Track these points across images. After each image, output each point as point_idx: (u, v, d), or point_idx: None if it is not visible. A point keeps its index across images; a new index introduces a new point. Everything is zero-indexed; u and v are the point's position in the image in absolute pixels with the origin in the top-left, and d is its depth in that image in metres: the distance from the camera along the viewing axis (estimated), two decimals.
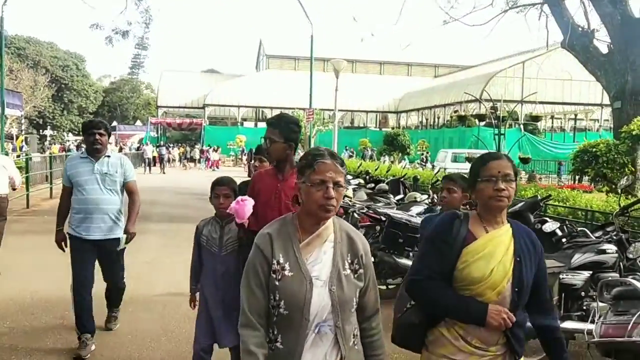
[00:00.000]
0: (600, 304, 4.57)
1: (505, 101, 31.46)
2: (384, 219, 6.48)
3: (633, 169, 10.35)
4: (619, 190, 6.34)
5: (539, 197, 6.52)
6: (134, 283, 7.08)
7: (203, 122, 48.30)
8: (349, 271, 2.19)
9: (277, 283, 2.13)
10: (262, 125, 49.42)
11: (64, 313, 5.80)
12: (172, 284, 7.21)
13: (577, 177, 21.78)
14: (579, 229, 5.55)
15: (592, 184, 18.62)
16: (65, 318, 5.70)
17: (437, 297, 2.39)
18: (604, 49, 13.20)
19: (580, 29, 13.57)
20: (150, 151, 34.00)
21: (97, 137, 4.86)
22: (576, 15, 13.67)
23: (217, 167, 38.68)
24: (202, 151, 42.10)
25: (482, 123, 35.77)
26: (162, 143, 42.20)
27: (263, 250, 2.17)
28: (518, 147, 26.29)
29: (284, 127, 3.56)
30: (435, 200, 8.54)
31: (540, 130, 41.47)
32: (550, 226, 5.55)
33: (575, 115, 43.10)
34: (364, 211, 7.06)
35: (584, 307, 4.72)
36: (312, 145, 21.84)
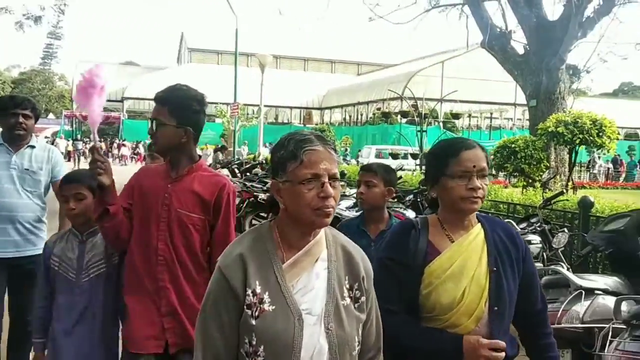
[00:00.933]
0: None
1: (426, 99, 32.44)
2: None
3: (548, 164, 10.88)
4: (542, 184, 6.57)
5: None
6: None
7: (121, 115, 46.49)
8: (348, 300, 1.66)
9: (253, 322, 1.57)
10: None
11: None
12: None
13: (497, 173, 22.84)
14: (505, 220, 5.69)
15: (508, 179, 19.56)
16: None
17: (399, 335, 1.90)
18: (521, 50, 13.77)
19: (498, 29, 14.08)
20: (63, 146, 31.98)
21: (21, 119, 3.54)
22: (495, 17, 14.18)
23: (125, 163, 37.53)
24: (119, 146, 40.60)
25: (405, 120, 36.78)
26: (78, 137, 40.20)
27: (230, 279, 1.59)
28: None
29: (177, 104, 2.58)
30: None
31: (459, 128, 43.04)
32: None
33: (491, 113, 45.07)
34: None
35: None
36: (235, 141, 21.45)
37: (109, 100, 49.66)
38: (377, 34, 57.77)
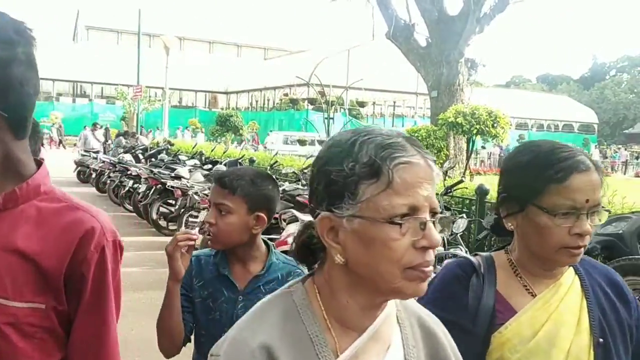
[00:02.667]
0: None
1: (333, 87, 32.91)
2: None
3: (447, 153, 11.49)
4: (443, 173, 6.98)
5: None
6: None
7: None
8: None
9: None
10: (82, 101, 45.84)
11: None
12: None
13: None
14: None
15: None
16: None
17: None
18: (423, 42, 14.31)
19: (402, 21, 14.53)
20: None
21: None
22: (399, 9, 14.64)
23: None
24: None
25: (312, 107, 37.16)
26: None
27: None
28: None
29: None
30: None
31: (363, 116, 44.12)
32: None
33: (394, 102, 46.53)
34: (206, 192, 6.90)
35: None
36: (138, 124, 20.71)
37: None
38: (284, 19, 57.58)
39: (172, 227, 9.19)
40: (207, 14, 55.22)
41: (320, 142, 24.56)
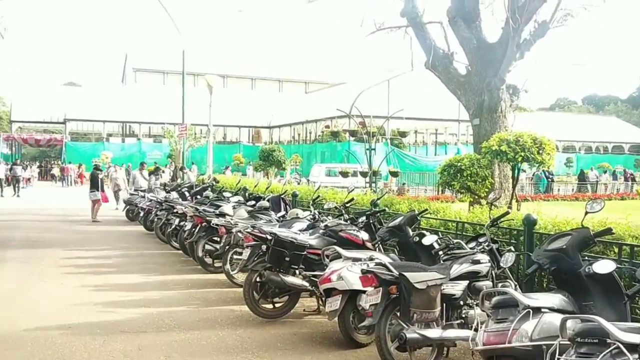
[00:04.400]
0: (479, 312, 4.91)
1: (374, 117, 32.99)
2: (269, 237, 6.43)
3: (492, 181, 11.25)
4: (488, 204, 6.81)
5: (416, 211, 6.83)
6: None
7: (64, 138, 45.11)
8: None
9: None
10: (130, 140, 47.33)
11: None
12: (41, 316, 6.56)
13: (443, 189, 23.41)
14: (455, 240, 5.89)
15: (454, 194, 20.12)
16: None
17: None
18: (463, 70, 14.21)
19: (441, 51, 14.49)
20: (2, 170, 29.53)
21: None
22: (437, 39, 14.62)
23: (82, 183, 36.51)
24: (62, 169, 39.30)
25: (353, 138, 37.26)
26: (17, 161, 38.49)
27: None
28: (386, 161, 27.68)
29: None
30: (317, 217, 8.68)
31: (405, 145, 43.90)
32: (429, 239, 5.84)
33: (436, 130, 46.21)
34: (249, 230, 6.95)
35: (463, 315, 5.01)
36: (184, 161, 21.23)
37: (50, 122, 48.39)
38: (323, 53, 58.37)
39: (217, 264, 9.27)
40: (249, 52, 56.56)
41: (363, 173, 24.54)
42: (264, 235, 6.53)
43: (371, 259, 5.04)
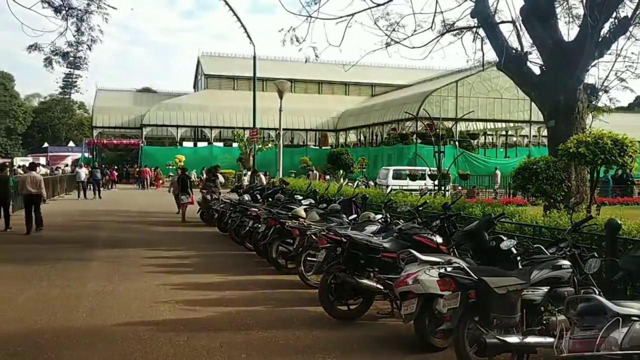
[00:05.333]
0: (561, 318, 4.81)
1: (443, 119, 32.57)
2: (344, 240, 6.53)
3: (569, 185, 10.89)
4: (570, 208, 6.62)
5: (493, 215, 6.75)
6: (87, 314, 6.85)
7: (140, 142, 47.16)
8: None
9: None
10: (202, 144, 48.86)
11: (16, 349, 5.52)
12: (128, 313, 6.95)
13: (515, 192, 22.80)
14: (534, 245, 5.78)
15: (527, 198, 19.52)
16: (17, 354, 5.41)
17: None
18: (537, 70, 13.84)
19: (514, 51, 14.16)
20: (84, 174, 29.93)
21: None
22: (509, 38, 14.30)
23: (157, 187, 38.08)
24: (139, 172, 41.07)
25: (420, 140, 36.90)
26: (96, 164, 40.55)
27: None
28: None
29: None
30: (389, 220, 8.71)
31: (474, 147, 43.01)
32: (507, 244, 5.76)
33: (506, 131, 44.98)
34: (324, 233, 7.09)
35: (544, 322, 4.92)
36: (253, 164, 21.72)
37: (127, 128, 50.72)
38: (390, 55, 58.00)
39: (290, 265, 9.47)
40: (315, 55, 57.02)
41: (432, 176, 24.28)
42: (338, 238, 6.64)
43: (449, 263, 5.04)
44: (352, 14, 15.46)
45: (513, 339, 4.57)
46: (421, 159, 27.56)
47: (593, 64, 12.96)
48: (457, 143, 37.63)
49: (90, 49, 13.67)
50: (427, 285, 5.24)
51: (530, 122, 41.47)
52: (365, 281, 6.38)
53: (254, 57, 20.90)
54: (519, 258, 5.80)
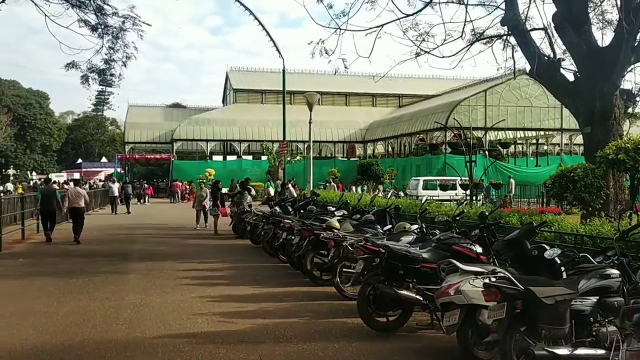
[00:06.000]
0: (612, 329, 4.67)
1: (474, 128, 32.20)
2: (382, 250, 6.47)
3: (608, 192, 10.64)
4: (617, 216, 6.44)
5: (534, 224, 6.62)
6: (127, 326, 6.91)
7: (171, 156, 47.82)
8: None
9: None
10: (231, 157, 49.30)
11: None
12: (167, 325, 6.99)
13: (549, 201, 22.36)
14: (580, 254, 5.64)
15: (560, 206, 19.14)
16: None
17: None
18: (571, 77, 13.63)
19: (546, 58, 13.99)
20: (117, 189, 30.39)
21: None
22: (541, 45, 14.15)
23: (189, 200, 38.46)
24: (171, 186, 41.62)
25: (449, 150, 36.56)
26: (127, 179, 41.18)
27: None
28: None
29: None
30: (425, 230, 8.63)
31: (504, 156, 42.42)
32: (551, 253, 5.63)
33: (537, 140, 44.30)
34: (362, 243, 7.04)
35: (594, 333, 4.78)
36: (284, 177, 21.80)
37: (158, 143, 51.52)
38: (420, 65, 57.93)
39: (325, 277, 9.43)
40: (342, 67, 57.17)
41: (463, 185, 23.93)
42: (377, 249, 6.59)
43: (494, 273, 4.94)
44: (381, 25, 15.53)
45: (563, 351, 4.45)
46: (452, 169, 27.26)
47: (629, 69, 12.74)
48: (486, 152, 37.13)
49: (125, 65, 13.98)
50: (470, 296, 5.14)
51: (561, 130, 40.77)
52: (404, 292, 6.31)
53: (283, 71, 21.04)
54: (562, 267, 5.67)
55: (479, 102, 39.40)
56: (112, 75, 14.31)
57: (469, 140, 25.47)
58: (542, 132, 42.51)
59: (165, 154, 50.44)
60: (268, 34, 20.62)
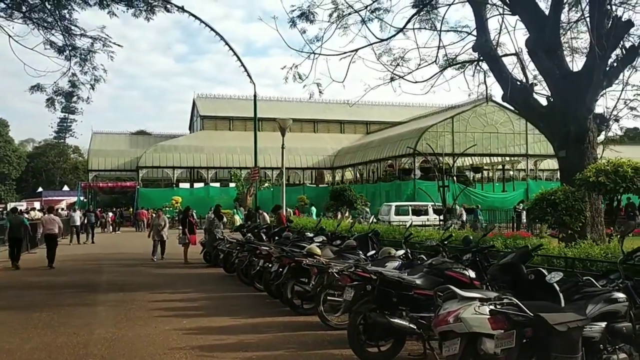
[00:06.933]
0: (622, 356, 4.46)
1: (446, 154, 32.48)
2: (374, 277, 6.17)
3: (586, 215, 10.61)
4: (619, 238, 6.27)
5: (530, 247, 6.43)
6: None
7: (137, 184, 46.75)
8: None
9: None
10: (198, 185, 48.54)
11: None
12: None
13: (519, 225, 22.51)
14: (584, 278, 5.45)
15: (529, 231, 19.25)
16: None
17: None
18: (543, 101, 13.77)
19: (518, 83, 14.12)
20: (78, 217, 29.00)
21: None
22: (513, 71, 14.30)
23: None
24: (136, 214, 40.58)
25: (418, 175, 36.80)
26: (90, 208, 39.93)
27: None
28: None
29: None
30: (410, 256, 8.38)
31: (471, 182, 42.88)
32: (553, 277, 5.41)
33: (503, 165, 44.98)
34: (352, 270, 6.73)
35: None
36: (255, 202, 21.36)
37: (123, 170, 50.38)
38: (386, 92, 58.58)
39: (306, 306, 9.05)
40: (308, 94, 57.38)
41: (437, 210, 24.00)
42: (368, 275, 6.29)
43: (500, 299, 4.67)
44: (356, 50, 15.48)
45: None
46: (425, 194, 27.34)
47: (602, 93, 12.91)
48: (454, 178, 37.44)
49: (93, 88, 13.51)
50: (471, 324, 4.85)
51: (527, 155, 41.52)
52: (397, 321, 5.99)
53: (255, 96, 20.82)
54: (560, 292, 5.46)
55: (446, 128, 39.88)
56: (79, 98, 13.79)
57: (441, 165, 25.72)
58: (507, 158, 43.21)
59: (130, 182, 49.30)
60: (239, 59, 20.43)
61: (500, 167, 46.20)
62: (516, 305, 4.40)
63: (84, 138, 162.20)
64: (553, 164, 45.37)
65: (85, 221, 29.92)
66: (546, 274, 5.60)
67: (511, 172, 46.72)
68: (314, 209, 25.77)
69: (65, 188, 68.40)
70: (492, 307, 4.55)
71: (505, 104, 38.55)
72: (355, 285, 6.54)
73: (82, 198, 47.79)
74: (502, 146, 41.42)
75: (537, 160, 43.49)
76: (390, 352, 6.23)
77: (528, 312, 4.31)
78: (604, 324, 4.60)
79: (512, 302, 4.45)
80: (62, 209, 47.48)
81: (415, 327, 6.06)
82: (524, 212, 30.57)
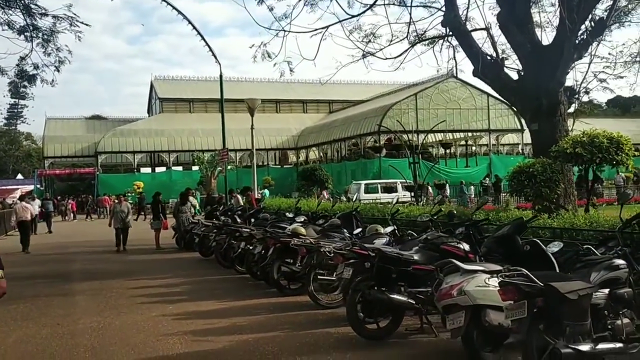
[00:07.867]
0: (626, 321, 4.57)
1: (415, 131, 32.68)
2: (373, 254, 6.13)
3: (564, 186, 10.83)
4: (621, 204, 6.32)
5: (524, 219, 6.49)
6: (90, 353, 6.24)
7: (96, 170, 45.54)
8: None
9: None
10: (160, 169, 47.63)
11: None
12: (136, 349, 6.31)
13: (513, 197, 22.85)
14: (584, 246, 5.53)
15: (496, 204, 19.58)
16: None
17: None
18: (514, 76, 13.90)
19: (489, 57, 14.19)
20: (37, 206, 27.35)
21: None
22: (483, 46, 14.36)
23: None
24: (98, 201, 39.60)
25: (384, 153, 37.03)
26: (47, 196, 38.70)
27: None
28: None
29: None
30: (398, 232, 8.38)
31: (435, 158, 43.40)
32: (554, 247, 5.47)
33: (466, 141, 45.67)
34: (349, 248, 6.67)
35: (609, 326, 4.64)
36: (225, 185, 21.03)
37: (81, 156, 48.93)
38: (367, 67, 58.41)
39: (293, 286, 8.99)
40: (270, 74, 56.66)
41: (408, 187, 24.20)
42: (366, 252, 6.24)
43: (508, 270, 4.68)
44: (326, 27, 15.28)
45: (585, 347, 4.26)
46: (395, 171, 27.46)
47: (572, 66, 13.11)
48: (420, 155, 37.82)
49: (58, 70, 12.92)
50: (475, 296, 4.87)
51: (489, 130, 42.26)
52: (397, 297, 5.98)
53: (220, 76, 20.41)
54: (555, 262, 5.53)
55: (410, 105, 40.14)
56: (43, 81, 13.17)
57: (410, 142, 25.85)
58: (470, 134, 43.85)
59: (88, 168, 47.98)
60: (203, 38, 19.91)
61: (463, 142, 46.91)
62: (526, 275, 4.42)
63: (37, 124, 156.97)
64: (514, 138, 46.36)
65: (43, 210, 28.97)
66: (542, 245, 5.66)
67: (474, 148, 47.50)
68: (267, 192, 25.54)
69: (20, 177, 66.13)
70: (501, 278, 4.57)
71: (468, 79, 39.02)
72: (354, 263, 6.48)
73: (38, 186, 46.30)
74: (464, 122, 42.01)
75: (498, 135, 44.30)
76: (389, 328, 6.23)
77: (538, 282, 4.34)
78: (607, 291, 4.69)
79: (522, 272, 4.47)
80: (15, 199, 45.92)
81: (414, 302, 6.06)
82: (490, 186, 31.24)
